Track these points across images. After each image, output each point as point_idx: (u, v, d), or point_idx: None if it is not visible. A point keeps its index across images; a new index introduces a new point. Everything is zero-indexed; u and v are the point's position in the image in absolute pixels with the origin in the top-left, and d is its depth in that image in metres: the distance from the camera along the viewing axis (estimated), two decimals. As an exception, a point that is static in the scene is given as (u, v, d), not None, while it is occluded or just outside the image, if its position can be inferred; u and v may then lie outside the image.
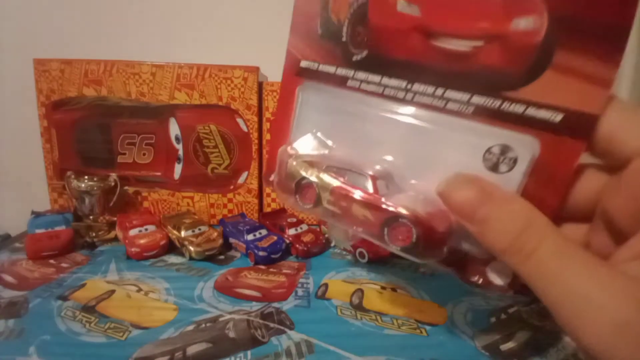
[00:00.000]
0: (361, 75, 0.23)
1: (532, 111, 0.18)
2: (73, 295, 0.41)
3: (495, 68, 0.19)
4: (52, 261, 0.49)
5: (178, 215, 0.58)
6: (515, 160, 0.19)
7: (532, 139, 0.18)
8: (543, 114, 0.18)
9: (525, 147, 0.19)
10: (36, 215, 0.55)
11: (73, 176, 0.57)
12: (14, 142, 0.65)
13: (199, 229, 0.53)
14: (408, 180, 0.22)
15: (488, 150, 0.19)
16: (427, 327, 0.37)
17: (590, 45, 0.17)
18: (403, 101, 0.22)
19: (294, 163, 0.25)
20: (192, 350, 0.33)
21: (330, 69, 0.24)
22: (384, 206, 0.21)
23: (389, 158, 0.23)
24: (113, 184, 0.59)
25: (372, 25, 0.22)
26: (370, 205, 0.22)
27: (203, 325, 0.36)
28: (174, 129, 0.61)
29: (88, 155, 0.61)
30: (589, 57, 0.17)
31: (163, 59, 0.58)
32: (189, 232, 0.52)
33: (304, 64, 0.25)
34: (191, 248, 0.50)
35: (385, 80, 0.22)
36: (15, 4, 0.61)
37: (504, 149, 0.19)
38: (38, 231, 0.52)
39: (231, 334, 0.35)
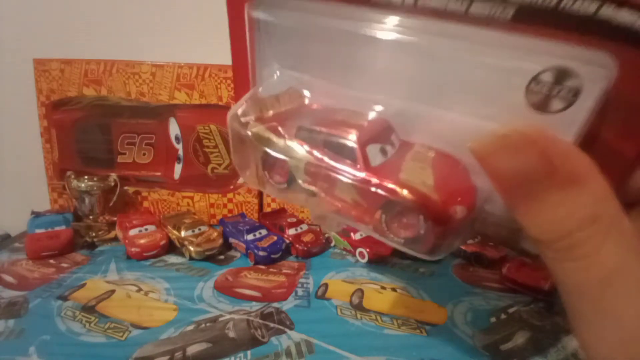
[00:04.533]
0: None
1: (608, 11, 0.11)
2: (73, 295, 0.41)
3: None
4: (52, 261, 0.49)
5: (178, 215, 0.58)
6: (577, 92, 0.12)
7: (606, 57, 0.12)
8: (625, 14, 0.11)
9: (595, 69, 0.12)
10: (36, 215, 0.55)
11: (73, 176, 0.57)
12: (14, 142, 0.65)
13: (199, 229, 0.53)
14: (415, 128, 0.16)
15: (535, 78, 0.13)
16: (427, 327, 0.37)
17: None
18: (402, 7, 0.14)
19: (253, 131, 0.17)
20: (192, 350, 0.33)
21: None
22: (378, 187, 0.15)
23: (387, 98, 0.16)
24: (113, 184, 0.59)
25: None
26: (360, 186, 0.15)
27: (203, 325, 0.36)
28: (174, 129, 0.61)
29: (88, 155, 0.61)
30: None
31: (163, 59, 0.58)
32: (189, 232, 0.52)
33: None
34: (191, 248, 0.50)
35: None
36: (15, 4, 0.61)
37: (561, 75, 0.12)
38: (38, 231, 0.52)
39: (231, 334, 0.35)
